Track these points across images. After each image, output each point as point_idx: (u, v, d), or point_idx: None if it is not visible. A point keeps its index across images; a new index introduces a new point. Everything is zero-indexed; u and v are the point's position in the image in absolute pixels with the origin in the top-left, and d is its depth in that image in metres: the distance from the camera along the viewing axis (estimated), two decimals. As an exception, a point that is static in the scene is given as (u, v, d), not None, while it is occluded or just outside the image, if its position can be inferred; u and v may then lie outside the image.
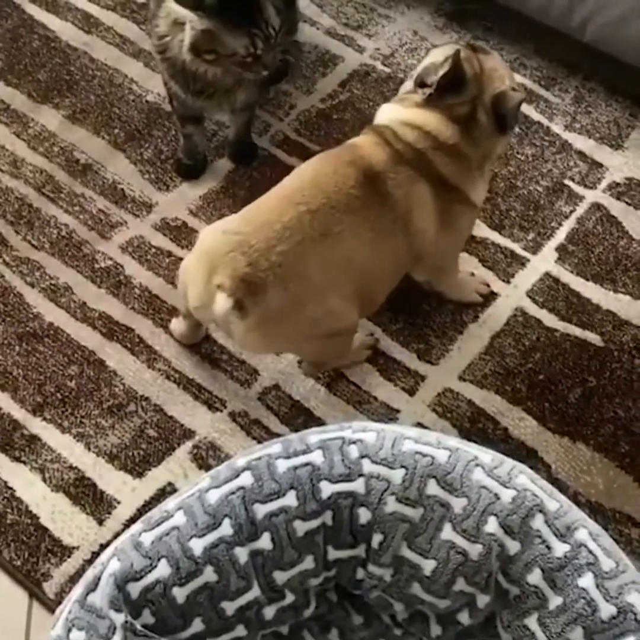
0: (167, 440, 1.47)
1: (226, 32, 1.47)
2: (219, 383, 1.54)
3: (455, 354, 1.58)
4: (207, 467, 1.43)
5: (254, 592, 1.00)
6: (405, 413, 1.51)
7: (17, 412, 1.49)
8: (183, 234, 1.72)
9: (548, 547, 0.98)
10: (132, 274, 1.66)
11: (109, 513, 1.39)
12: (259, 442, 1.45)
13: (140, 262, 1.68)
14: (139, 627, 0.94)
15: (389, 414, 1.51)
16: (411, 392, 1.53)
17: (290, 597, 1.03)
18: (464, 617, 1.03)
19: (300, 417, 1.50)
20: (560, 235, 1.73)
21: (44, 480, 1.42)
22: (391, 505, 1.00)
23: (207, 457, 1.45)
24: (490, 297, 1.64)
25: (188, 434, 1.48)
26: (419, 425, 1.49)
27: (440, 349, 1.58)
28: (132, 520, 1.35)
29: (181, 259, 1.67)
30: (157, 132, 1.86)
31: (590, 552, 0.97)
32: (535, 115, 1.91)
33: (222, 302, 1.27)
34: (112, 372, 1.54)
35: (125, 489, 1.42)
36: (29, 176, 1.78)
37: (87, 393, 1.51)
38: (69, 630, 0.94)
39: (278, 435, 1.46)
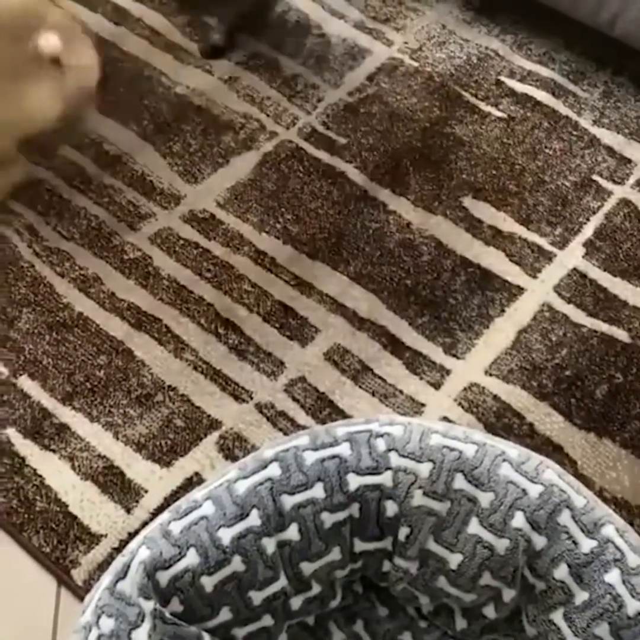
0: (194, 431, 1.48)
1: None
2: (246, 374, 1.55)
3: (481, 348, 1.58)
4: (234, 458, 1.44)
5: (281, 583, 1.01)
6: (431, 407, 1.51)
7: (47, 401, 1.50)
8: (211, 226, 1.73)
9: (575, 543, 0.98)
10: (160, 265, 1.67)
11: (137, 502, 1.41)
12: (285, 433, 1.46)
13: (168, 253, 1.69)
14: (167, 615, 0.95)
15: (414, 408, 1.51)
16: (437, 386, 1.54)
17: (316, 588, 1.04)
18: (489, 611, 1.04)
19: (325, 409, 1.51)
20: (588, 231, 1.73)
21: (73, 468, 1.43)
22: (418, 498, 1.01)
23: (233, 447, 1.46)
24: (516, 291, 1.64)
25: (215, 424, 1.49)
26: (444, 419, 1.49)
27: (466, 343, 1.59)
28: (159, 509, 1.37)
29: (208, 250, 1.69)
30: (185, 125, 1.87)
31: (617, 548, 0.97)
32: (564, 110, 1.90)
33: None
34: (140, 362, 1.55)
35: (152, 478, 1.43)
36: (59, 168, 1.80)
37: (116, 382, 1.53)
38: (99, 617, 0.95)
39: (304, 427, 1.47)
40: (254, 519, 0.99)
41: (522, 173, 1.80)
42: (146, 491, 1.42)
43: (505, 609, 1.03)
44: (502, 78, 1.95)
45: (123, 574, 0.96)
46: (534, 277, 1.66)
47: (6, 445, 1.46)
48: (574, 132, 1.87)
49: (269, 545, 0.99)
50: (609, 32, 1.86)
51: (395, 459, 1.02)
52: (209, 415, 1.50)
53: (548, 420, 1.50)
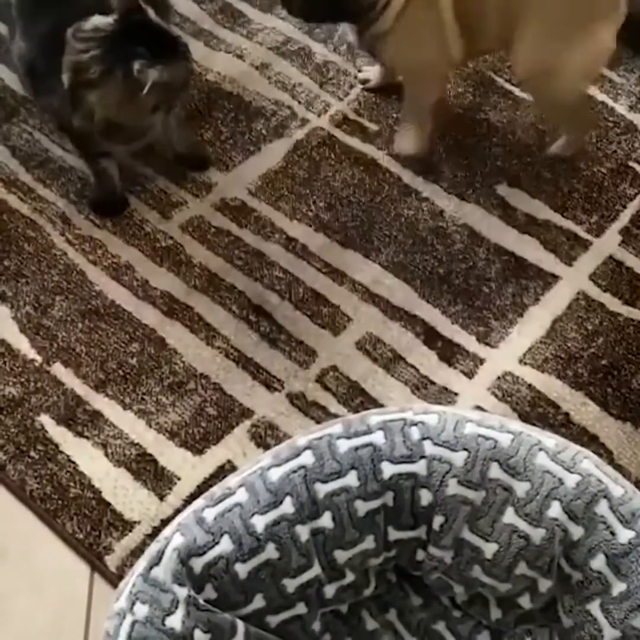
0: (226, 419, 1.48)
1: None
2: (278, 363, 1.54)
3: (515, 337, 1.56)
4: (266, 446, 1.43)
5: (315, 570, 1.00)
6: (464, 396, 1.50)
7: (80, 388, 1.51)
8: (242, 214, 1.72)
9: (612, 533, 0.97)
10: (192, 253, 1.67)
11: (170, 489, 1.41)
12: (317, 422, 1.46)
13: (200, 241, 1.69)
14: (201, 601, 0.95)
15: (448, 397, 1.50)
16: (470, 375, 1.52)
17: (350, 576, 1.03)
18: (524, 601, 1.03)
19: (357, 398, 1.50)
20: (624, 218, 1.70)
21: (107, 455, 1.44)
22: (453, 487, 1.00)
23: (265, 436, 1.46)
24: (551, 279, 1.62)
25: (246, 413, 1.49)
26: (478, 408, 1.48)
27: (500, 332, 1.57)
28: (192, 497, 1.37)
29: (240, 238, 1.69)
30: (217, 113, 1.86)
31: (656, 539, 0.96)
32: (600, 96, 1.87)
33: None
34: (172, 349, 1.55)
35: (185, 466, 1.43)
36: (91, 155, 1.80)
37: (148, 370, 1.53)
38: (133, 603, 0.95)
39: (336, 415, 1.46)
40: (287, 507, 0.99)
41: (557, 160, 1.77)
42: (179, 479, 1.42)
43: (540, 599, 1.02)
44: (537, 63, 1.93)
45: (157, 560, 0.97)
46: (570, 265, 1.64)
47: (40, 432, 1.46)
48: (610, 118, 1.84)
49: (303, 532, 0.99)
50: (646, 17, 1.83)
51: (429, 448, 1.01)
52: (240, 404, 1.50)
53: (583, 410, 1.48)
